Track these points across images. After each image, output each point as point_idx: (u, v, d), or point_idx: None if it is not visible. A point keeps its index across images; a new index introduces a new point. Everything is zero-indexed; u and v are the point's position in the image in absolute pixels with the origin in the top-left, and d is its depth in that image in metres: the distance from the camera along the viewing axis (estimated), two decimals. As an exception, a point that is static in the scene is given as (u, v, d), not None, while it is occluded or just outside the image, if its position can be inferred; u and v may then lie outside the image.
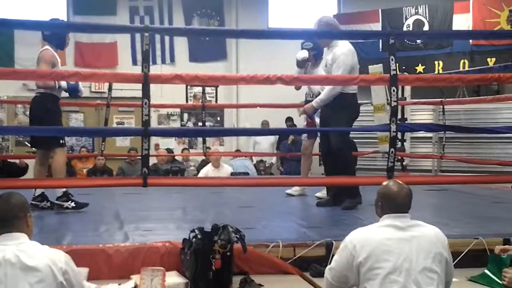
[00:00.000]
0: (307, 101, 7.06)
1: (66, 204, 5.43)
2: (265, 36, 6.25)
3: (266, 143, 12.45)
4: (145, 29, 4.08)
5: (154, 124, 13.11)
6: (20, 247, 2.75)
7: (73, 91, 5.66)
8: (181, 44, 13.30)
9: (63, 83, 5.47)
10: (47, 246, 2.87)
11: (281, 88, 4.86)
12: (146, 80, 3.96)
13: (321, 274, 3.27)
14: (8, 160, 10.72)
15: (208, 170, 9.63)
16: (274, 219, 5.21)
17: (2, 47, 12.45)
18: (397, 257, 2.81)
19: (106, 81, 5.39)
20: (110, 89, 7.66)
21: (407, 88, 10.35)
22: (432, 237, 2.93)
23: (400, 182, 3.09)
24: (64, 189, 5.45)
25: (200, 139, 11.14)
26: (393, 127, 4.29)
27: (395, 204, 2.96)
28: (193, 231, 3.60)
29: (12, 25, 6.17)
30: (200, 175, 9.86)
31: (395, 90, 4.31)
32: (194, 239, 3.54)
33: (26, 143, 12.47)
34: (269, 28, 13.09)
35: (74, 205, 5.45)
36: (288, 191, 6.63)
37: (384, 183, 3.11)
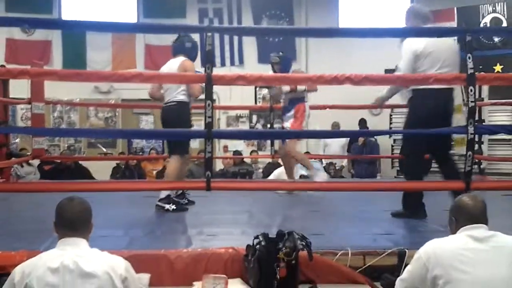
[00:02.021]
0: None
1: (167, 206, 5.52)
2: (330, 34, 6.07)
3: (336, 145, 12.15)
4: (207, 29, 4.00)
5: (223, 126, 13.11)
6: (79, 253, 2.71)
7: None
8: (250, 46, 13.24)
9: None
10: (106, 252, 2.81)
11: (353, 89, 4.72)
12: (209, 81, 3.87)
13: (392, 285, 3.08)
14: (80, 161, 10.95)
15: (280, 172, 9.47)
16: (343, 225, 4.99)
17: (75, 50, 12.75)
18: (476, 269, 2.63)
19: (169, 82, 5.34)
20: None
21: (485, 88, 9.95)
22: (515, 247, 2.73)
23: (473, 194, 2.91)
24: (168, 192, 5.55)
25: (269, 141, 11.01)
26: (471, 129, 4.08)
27: (470, 217, 2.79)
28: (257, 237, 3.48)
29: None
30: (271, 177, 9.71)
31: (473, 89, 4.08)
32: (257, 246, 3.41)
33: (99, 145, 12.77)
34: (337, 27, 12.76)
35: (174, 207, 5.53)
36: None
37: (456, 199, 2.94)
